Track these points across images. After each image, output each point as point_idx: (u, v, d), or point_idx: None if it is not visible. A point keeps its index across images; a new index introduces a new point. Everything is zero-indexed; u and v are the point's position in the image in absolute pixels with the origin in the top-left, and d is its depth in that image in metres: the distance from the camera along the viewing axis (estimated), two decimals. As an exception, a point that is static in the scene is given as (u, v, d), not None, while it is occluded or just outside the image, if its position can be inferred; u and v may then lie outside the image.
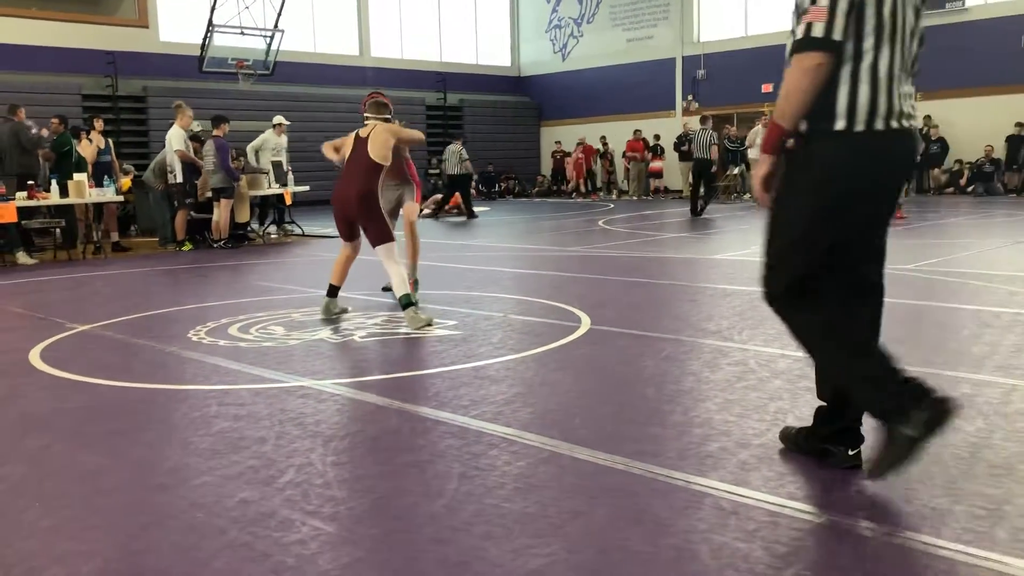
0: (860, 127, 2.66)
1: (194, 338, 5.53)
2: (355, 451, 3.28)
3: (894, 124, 2.68)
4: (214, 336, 5.57)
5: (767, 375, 4.22)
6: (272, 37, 19.72)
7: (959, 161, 19.45)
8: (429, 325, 5.69)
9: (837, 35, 2.60)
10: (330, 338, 5.43)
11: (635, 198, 22.33)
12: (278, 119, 13.58)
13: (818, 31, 2.61)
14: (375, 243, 5.89)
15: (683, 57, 24.06)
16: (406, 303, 5.73)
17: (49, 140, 11.65)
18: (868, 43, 2.64)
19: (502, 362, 4.68)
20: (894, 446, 2.57)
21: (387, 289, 6.96)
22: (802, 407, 3.72)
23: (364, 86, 23.70)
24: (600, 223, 14.73)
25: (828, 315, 2.86)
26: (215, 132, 11.61)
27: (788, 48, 2.70)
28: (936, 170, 19.58)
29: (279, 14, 19.39)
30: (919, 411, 2.56)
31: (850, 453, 2.96)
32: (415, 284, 6.88)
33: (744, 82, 22.48)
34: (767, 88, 22.05)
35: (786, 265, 2.84)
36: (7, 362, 5.02)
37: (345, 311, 6.31)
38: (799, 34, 2.65)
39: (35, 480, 3.10)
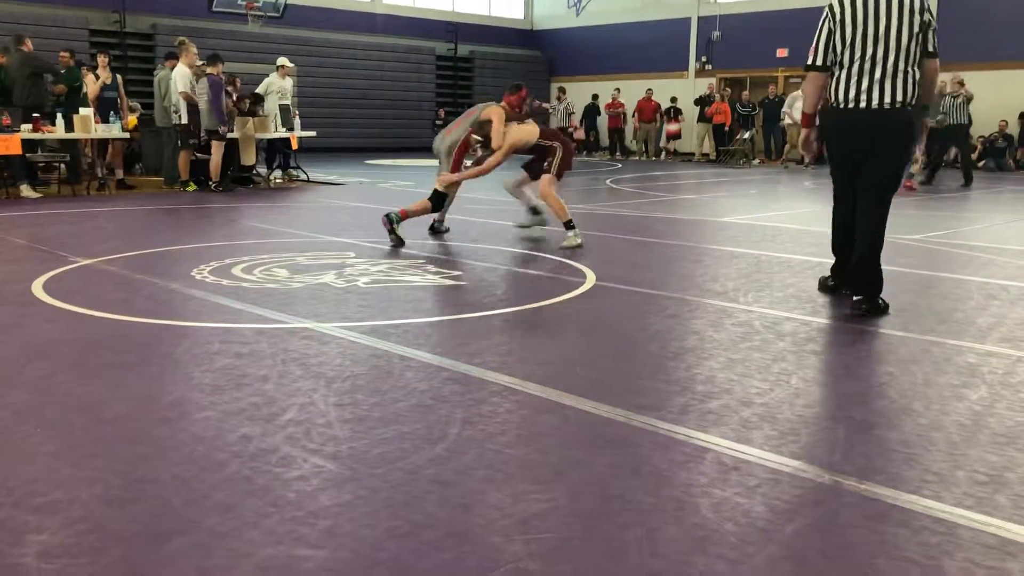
0: (832, 103, 4.77)
1: (197, 276, 5.51)
2: (357, 393, 3.28)
3: (851, 105, 4.65)
4: (217, 275, 5.55)
5: (772, 337, 4.21)
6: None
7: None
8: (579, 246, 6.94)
9: (820, 62, 4.77)
10: (334, 283, 5.41)
11: (642, 159, 22.17)
12: (281, 61, 13.43)
13: (810, 60, 4.81)
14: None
15: (699, 17, 23.72)
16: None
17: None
18: (841, 58, 4.67)
19: (506, 313, 4.67)
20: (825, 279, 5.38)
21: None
22: (806, 369, 3.71)
23: (374, 33, 23.47)
24: (607, 182, 14.64)
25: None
26: (209, 70, 11.39)
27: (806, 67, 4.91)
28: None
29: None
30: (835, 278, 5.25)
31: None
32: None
33: (759, 46, 22.21)
34: (782, 53, 21.78)
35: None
36: (10, 292, 5.01)
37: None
38: (808, 61, 4.83)
39: (37, 408, 3.10)
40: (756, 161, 20.80)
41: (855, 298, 4.75)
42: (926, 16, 4.55)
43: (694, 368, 3.67)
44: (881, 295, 4.75)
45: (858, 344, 4.15)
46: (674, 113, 22.28)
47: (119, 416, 3.01)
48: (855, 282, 4.80)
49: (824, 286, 5.36)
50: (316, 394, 3.24)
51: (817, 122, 5.00)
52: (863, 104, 4.58)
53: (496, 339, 4.12)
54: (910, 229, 8.38)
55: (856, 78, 4.58)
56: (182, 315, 4.54)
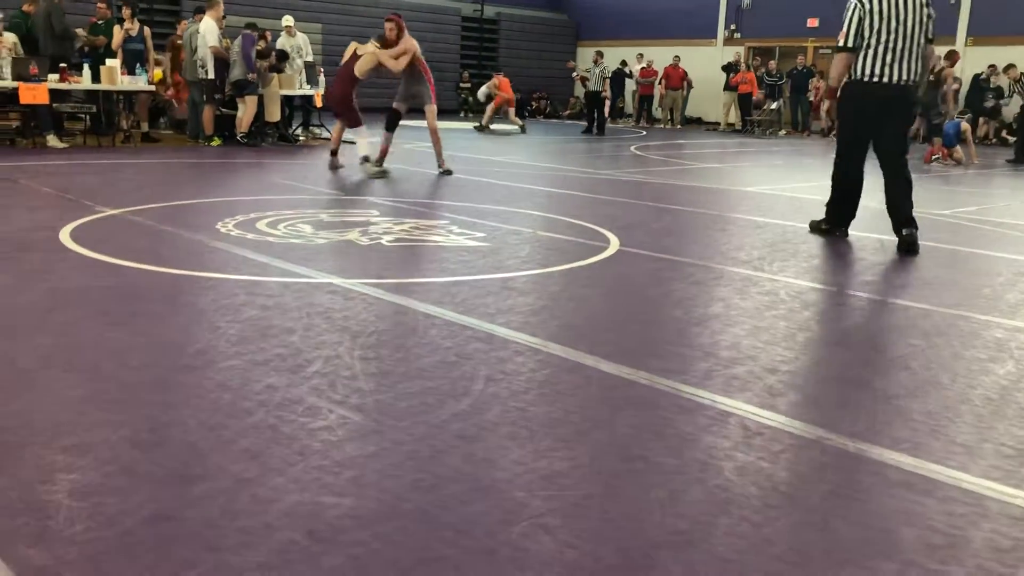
0: (859, 78, 5.73)
1: (222, 230, 5.53)
2: (382, 348, 3.29)
3: (875, 80, 5.65)
4: (242, 229, 5.56)
5: (797, 306, 4.18)
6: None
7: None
8: (382, 176, 8.72)
9: (850, 43, 5.66)
10: (358, 240, 5.41)
11: (668, 127, 21.97)
12: (287, 20, 13.33)
13: (841, 42, 5.71)
14: (349, 127, 9.23)
15: (729, -16, 23.34)
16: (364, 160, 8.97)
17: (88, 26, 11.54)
18: (868, 41, 5.59)
19: (529, 275, 4.66)
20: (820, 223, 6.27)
21: (365, 160, 9.05)
22: (832, 338, 3.68)
23: (401, -8, 23.23)
24: (632, 148, 14.53)
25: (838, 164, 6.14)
26: (211, 15, 11.26)
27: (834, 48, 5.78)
28: (985, 118, 19.07)
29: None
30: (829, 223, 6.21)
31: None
32: (448, 171, 9.27)
33: (789, 15, 21.86)
34: (813, 23, 21.43)
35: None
36: (38, 239, 5.05)
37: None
38: (838, 42, 5.73)
39: (64, 352, 3.13)
40: (782, 132, 20.57)
41: (905, 232, 5.68)
42: (929, 10, 5.63)
43: (719, 334, 3.65)
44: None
45: (884, 316, 4.12)
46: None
47: (146, 363, 3.03)
48: (902, 219, 5.72)
49: (817, 228, 6.26)
50: (341, 347, 3.26)
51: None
52: (885, 79, 5.62)
53: (520, 300, 4.11)
54: (941, 205, 8.27)
55: (881, 58, 5.58)
56: (208, 267, 4.56)
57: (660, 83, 22.27)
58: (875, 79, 5.62)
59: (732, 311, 4.06)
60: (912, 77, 5.63)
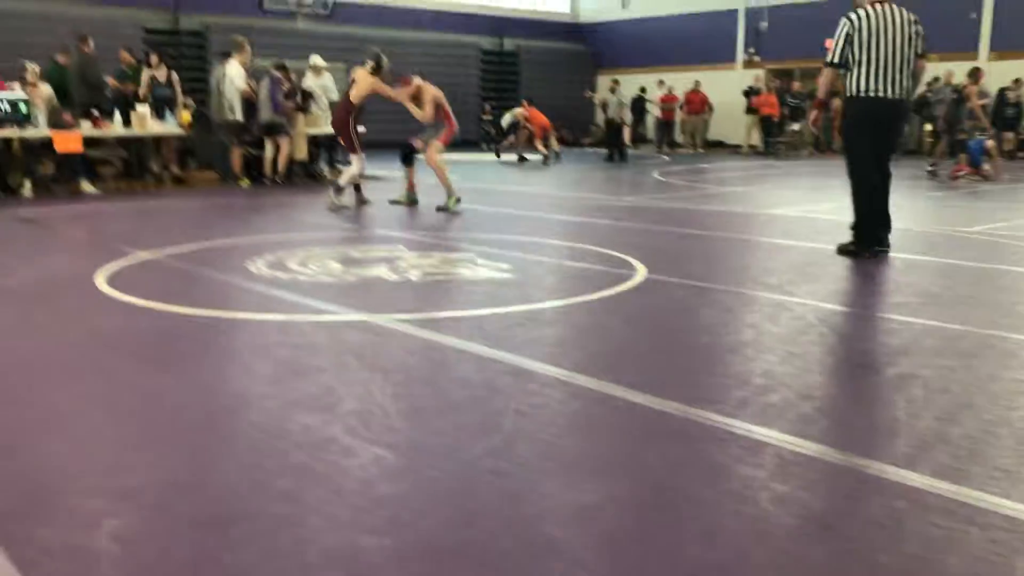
0: (855, 94, 5.94)
1: (253, 270, 5.60)
2: (413, 384, 3.31)
3: (871, 95, 5.84)
4: (273, 269, 5.63)
5: (828, 331, 4.16)
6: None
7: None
8: (339, 208, 8.88)
9: (836, 59, 5.98)
10: (386, 276, 5.46)
11: (690, 151, 21.98)
12: (314, 60, 13.42)
13: (828, 57, 6.01)
14: (348, 151, 9.36)
15: (747, 8, 23.41)
16: (336, 189, 9.02)
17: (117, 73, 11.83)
18: (859, 58, 5.84)
19: (556, 306, 4.67)
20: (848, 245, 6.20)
21: (337, 188, 9.07)
22: (865, 363, 3.66)
23: (421, 29, 23.56)
24: (655, 174, 14.55)
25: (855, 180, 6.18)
26: (272, 70, 11.52)
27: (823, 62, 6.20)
28: (1010, 133, 18.90)
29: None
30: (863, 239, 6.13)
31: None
32: (456, 200, 8.98)
33: (808, 37, 21.82)
34: (829, 44, 21.40)
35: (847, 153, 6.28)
36: (74, 283, 5.14)
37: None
38: (827, 58, 6.03)
39: (103, 396, 3.18)
40: (806, 152, 20.50)
41: (880, 243, 6.08)
42: (918, 27, 5.88)
43: (751, 361, 3.64)
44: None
45: (918, 338, 4.08)
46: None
47: (183, 405, 3.08)
48: (883, 226, 6.10)
49: (845, 251, 6.21)
50: (373, 385, 3.28)
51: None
52: (884, 94, 5.83)
53: (547, 331, 4.12)
54: (969, 221, 8.20)
55: (873, 74, 5.80)
56: (240, 307, 4.62)
57: (681, 108, 22.32)
58: (871, 94, 5.85)
59: (763, 337, 4.05)
60: (903, 92, 5.89)
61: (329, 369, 3.48)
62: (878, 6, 5.84)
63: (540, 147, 17.63)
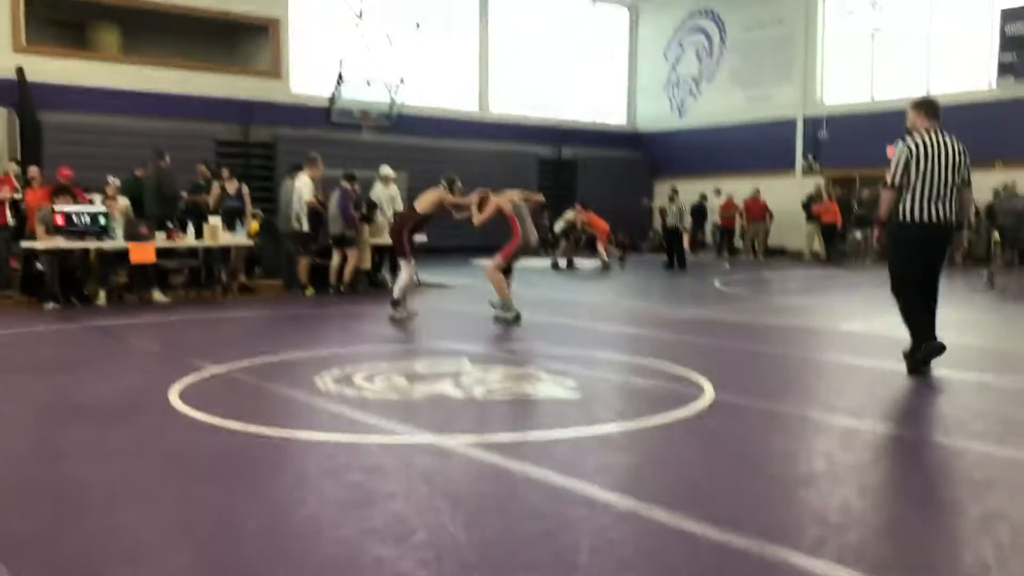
0: (908, 220, 6.05)
1: (321, 386, 5.69)
2: (484, 515, 3.30)
3: (924, 220, 6.00)
4: (340, 384, 5.71)
5: (904, 460, 4.05)
6: (396, 89, 20.44)
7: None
8: (402, 320, 8.80)
9: (896, 182, 6.07)
10: (452, 393, 5.49)
11: (750, 258, 21.94)
12: (385, 172, 13.70)
13: (888, 180, 6.12)
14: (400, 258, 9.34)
15: (804, 117, 23.66)
16: (393, 303, 8.97)
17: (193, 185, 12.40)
18: (913, 184, 6.01)
19: (626, 430, 4.63)
20: (916, 355, 6.06)
21: (395, 303, 8.95)
22: (948, 497, 3.54)
23: (482, 139, 24.26)
24: (716, 283, 14.52)
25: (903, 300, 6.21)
26: (343, 183, 11.94)
27: (882, 184, 6.29)
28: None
29: (403, 70, 20.11)
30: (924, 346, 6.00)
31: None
32: (515, 316, 8.72)
33: (867, 145, 21.91)
34: (891, 151, 21.42)
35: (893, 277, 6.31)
36: (150, 401, 5.27)
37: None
38: (886, 180, 6.14)
39: (180, 520, 3.22)
40: (869, 261, 20.30)
41: (932, 348, 6.01)
42: (966, 157, 6.11)
43: (826, 495, 3.55)
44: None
45: (1003, 472, 3.94)
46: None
47: (257, 530, 3.10)
48: (930, 337, 6.06)
49: (911, 358, 6.13)
50: (443, 515, 3.27)
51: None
52: (930, 219, 6.03)
53: (618, 458, 4.09)
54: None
55: (926, 199, 6.01)
56: (309, 426, 4.68)
57: (741, 215, 22.40)
58: (924, 219, 6.01)
59: (837, 467, 3.95)
60: (950, 216, 6.07)
61: (399, 496, 3.49)
62: (934, 134, 6.05)
63: (602, 252, 17.65)
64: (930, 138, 6.03)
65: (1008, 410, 5.15)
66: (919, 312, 6.15)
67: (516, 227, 8.94)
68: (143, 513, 3.31)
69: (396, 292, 9.08)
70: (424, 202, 9.28)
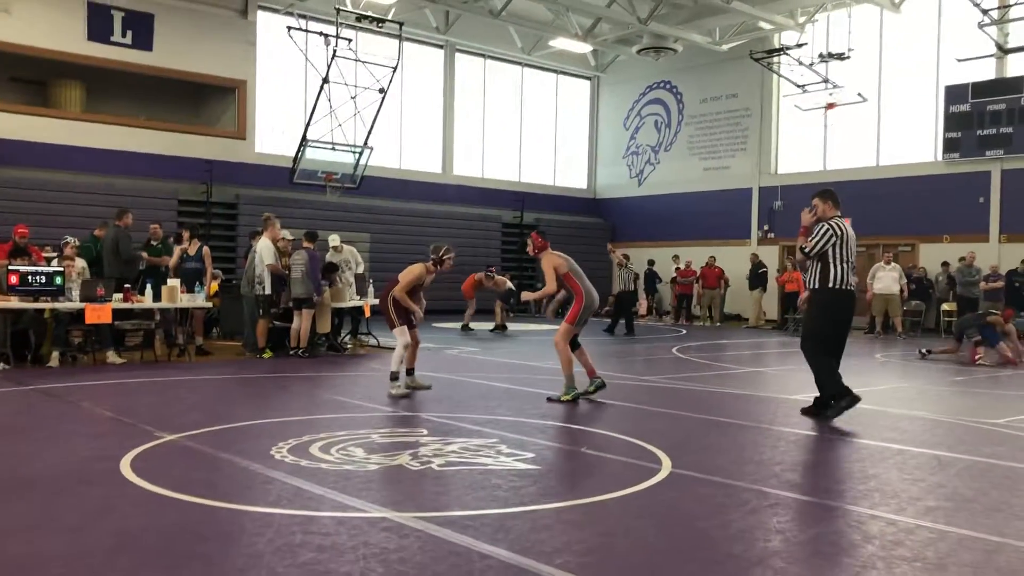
0: (840, 287, 7.37)
1: (277, 456, 5.61)
2: (440, 596, 3.26)
3: (849, 288, 7.37)
4: (296, 455, 5.64)
5: (858, 538, 4.09)
6: (361, 153, 20.58)
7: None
8: (403, 396, 8.45)
9: (814, 253, 7.38)
10: (409, 464, 5.45)
11: (706, 324, 22.21)
12: (333, 241, 13.98)
13: (808, 249, 7.44)
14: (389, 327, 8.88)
15: (760, 187, 24.22)
16: (392, 376, 8.64)
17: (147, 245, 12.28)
18: (839, 259, 7.34)
19: (582, 504, 4.63)
20: (833, 408, 7.38)
21: (393, 376, 8.68)
22: (899, 573, 3.58)
23: (445, 201, 24.46)
24: (674, 350, 14.65)
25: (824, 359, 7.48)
26: (305, 244, 12.03)
27: (799, 252, 7.61)
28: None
29: (369, 132, 20.28)
30: (844, 400, 7.34)
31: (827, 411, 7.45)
32: (576, 395, 8.27)
33: (821, 215, 22.47)
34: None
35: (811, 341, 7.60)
36: (101, 471, 5.16)
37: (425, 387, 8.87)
38: (804, 248, 7.47)
39: (127, 605, 3.14)
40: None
41: (843, 403, 7.35)
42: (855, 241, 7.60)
43: (783, 574, 3.57)
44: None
45: (955, 551, 4.00)
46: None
47: (207, 617, 3.03)
48: (847, 391, 7.35)
49: (833, 407, 7.40)
50: (399, 597, 3.23)
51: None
52: (849, 287, 7.39)
53: (575, 536, 4.08)
54: (994, 412, 8.15)
55: (844, 271, 7.38)
56: (264, 500, 4.60)
57: (697, 282, 22.74)
58: (845, 287, 7.39)
59: (792, 546, 3.98)
60: (855, 288, 7.53)
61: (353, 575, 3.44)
62: (844, 221, 7.52)
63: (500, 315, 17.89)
64: (841, 224, 7.46)
65: (959, 486, 5.22)
66: (835, 369, 7.44)
67: (578, 288, 8.42)
68: (89, 594, 3.22)
69: (392, 366, 8.65)
70: (406, 276, 8.72)
